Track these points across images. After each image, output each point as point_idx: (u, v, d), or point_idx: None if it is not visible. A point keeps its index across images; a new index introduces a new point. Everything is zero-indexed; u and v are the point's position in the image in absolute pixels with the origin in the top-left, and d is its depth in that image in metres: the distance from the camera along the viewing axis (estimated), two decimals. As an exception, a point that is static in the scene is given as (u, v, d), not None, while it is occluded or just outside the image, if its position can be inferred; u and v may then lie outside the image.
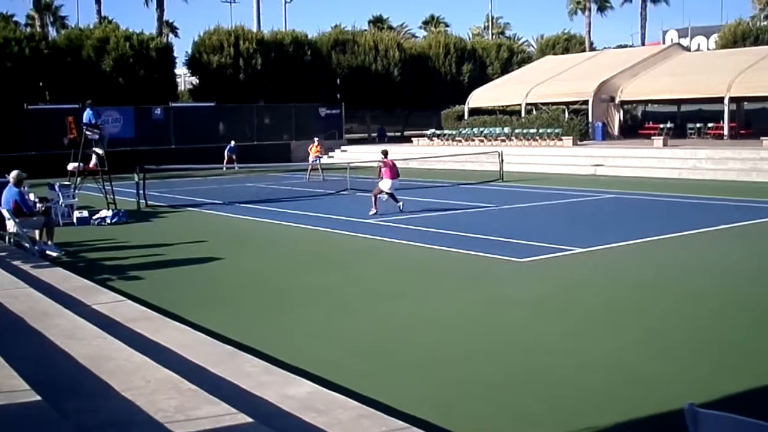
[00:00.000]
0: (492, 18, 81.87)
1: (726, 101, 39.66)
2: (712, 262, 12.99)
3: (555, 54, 61.96)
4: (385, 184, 19.56)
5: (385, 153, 20.54)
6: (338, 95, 52.58)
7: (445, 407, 6.52)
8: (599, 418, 6.21)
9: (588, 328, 8.97)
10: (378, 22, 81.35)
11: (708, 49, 63.42)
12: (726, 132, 40.18)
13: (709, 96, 40.87)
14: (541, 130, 40.52)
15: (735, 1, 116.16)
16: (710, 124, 42.04)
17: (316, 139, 34.43)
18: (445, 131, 46.34)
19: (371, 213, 19.32)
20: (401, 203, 19.58)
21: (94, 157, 21.65)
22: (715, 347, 8.14)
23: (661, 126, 41.65)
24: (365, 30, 67.76)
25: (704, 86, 40.73)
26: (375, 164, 22.84)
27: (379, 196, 19.65)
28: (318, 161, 32.85)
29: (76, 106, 32.04)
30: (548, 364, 7.63)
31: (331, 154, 45.56)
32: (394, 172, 19.62)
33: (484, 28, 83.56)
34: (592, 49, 66.59)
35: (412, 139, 49.25)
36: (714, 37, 63.53)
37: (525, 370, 7.47)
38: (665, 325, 9.00)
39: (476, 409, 6.53)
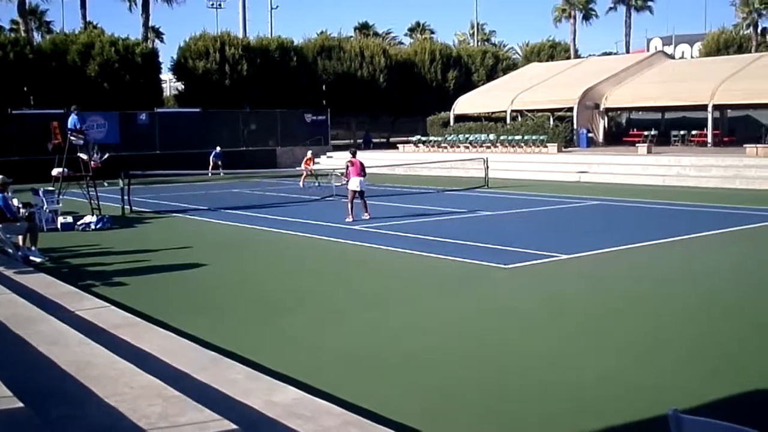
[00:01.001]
0: (477, 25, 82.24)
1: (710, 109, 39.93)
2: (697, 268, 13.07)
3: (540, 61, 62.25)
4: (353, 183, 19.63)
5: (353, 153, 20.92)
6: (324, 101, 52.60)
7: (432, 414, 6.52)
8: (585, 424, 6.23)
9: (574, 334, 9.00)
10: (364, 28, 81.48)
11: (692, 57, 63.90)
12: (710, 139, 40.45)
13: (692, 103, 41.16)
14: (526, 137, 40.65)
15: (718, 10, 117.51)
16: (694, 132, 42.32)
17: (309, 151, 34.64)
18: (431, 138, 46.41)
19: (347, 220, 19.25)
20: (368, 215, 19.57)
21: (95, 157, 21.47)
22: (700, 353, 8.17)
23: (646, 133, 41.89)
24: (351, 36, 67.93)
25: (688, 94, 41.02)
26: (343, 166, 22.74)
27: (354, 201, 19.60)
28: (310, 167, 32.96)
29: (61, 111, 31.93)
30: (535, 371, 7.65)
31: (316, 160, 45.50)
32: (360, 171, 19.61)
33: (470, 35, 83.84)
34: (577, 56, 66.95)
35: (398, 145, 49.30)
36: (698, 45, 64.06)
37: (512, 377, 7.48)
38: (650, 331, 9.03)
39: (463, 416, 6.53)
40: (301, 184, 31.86)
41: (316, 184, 31.39)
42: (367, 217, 19.46)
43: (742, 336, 8.80)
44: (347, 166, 20.29)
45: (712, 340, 8.65)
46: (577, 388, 7.13)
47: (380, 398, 6.77)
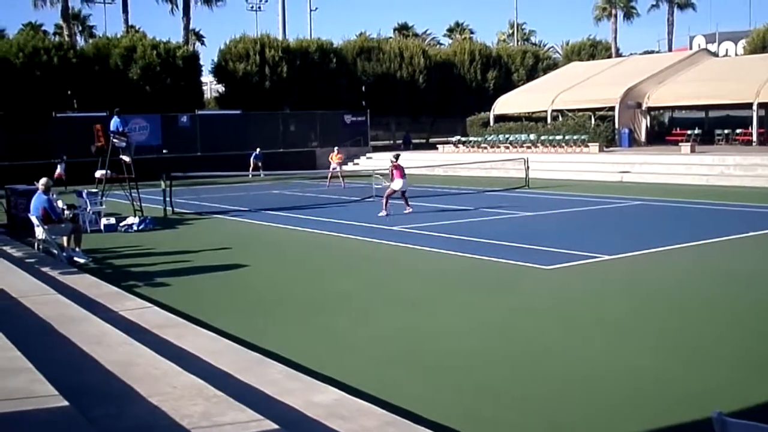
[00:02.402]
0: (517, 24, 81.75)
1: (755, 107, 39.29)
2: (744, 269, 12.83)
3: (581, 60, 61.72)
4: (397, 184, 20.97)
5: (396, 156, 22.12)
6: (363, 102, 52.67)
7: (471, 415, 6.48)
8: (626, 426, 6.16)
9: (614, 336, 8.89)
10: (403, 29, 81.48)
11: (736, 54, 62.89)
12: (755, 138, 39.80)
13: (737, 102, 40.53)
14: (567, 137, 40.32)
15: (763, 6, 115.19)
16: (738, 130, 41.68)
17: (336, 148, 34.64)
18: (471, 138, 46.26)
19: (381, 215, 20.41)
20: (410, 209, 21.06)
21: (127, 159, 21.70)
22: (743, 356, 8.03)
23: (689, 132, 41.34)
24: (390, 37, 67.93)
25: (732, 92, 40.37)
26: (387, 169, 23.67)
27: (391, 198, 20.99)
28: (338, 169, 32.94)
29: (104, 114, 32.34)
30: (575, 373, 7.57)
31: (356, 161, 45.66)
32: (403, 174, 20.93)
33: (509, 34, 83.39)
34: (619, 55, 66.28)
35: (438, 146, 49.20)
36: (742, 43, 62.97)
37: (552, 378, 7.41)
38: (692, 333, 8.90)
39: (502, 417, 6.49)
40: (327, 184, 32.16)
41: (342, 186, 31.53)
42: (409, 211, 20.84)
43: (789, 338, 8.63)
44: (391, 170, 21.42)
45: (760, 343, 8.48)
46: (619, 390, 7.04)
47: (420, 399, 6.75)
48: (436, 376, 7.58)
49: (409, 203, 21.37)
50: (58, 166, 33.20)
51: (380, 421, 5.53)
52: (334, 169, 32.91)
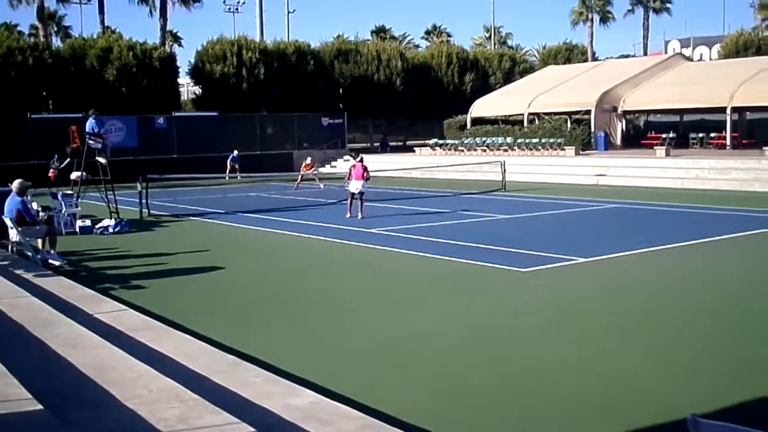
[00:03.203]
0: (494, 28, 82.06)
1: (728, 111, 39.69)
2: (715, 272, 12.97)
3: (557, 64, 62.06)
4: (353, 185, 20.77)
5: (357, 157, 22.17)
6: (341, 105, 52.69)
7: (448, 418, 6.50)
8: (602, 428, 6.20)
9: (590, 338, 8.95)
10: (380, 32, 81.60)
11: (710, 59, 63.43)
12: (728, 142, 40.20)
13: (711, 106, 40.90)
14: (543, 140, 40.56)
15: (737, 12, 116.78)
16: (713, 134, 42.09)
17: (309, 158, 35.52)
18: (448, 141, 46.40)
19: (347, 216, 20.56)
20: (362, 214, 20.52)
21: (102, 161, 21.54)
22: (719, 358, 8.10)
23: (664, 136, 41.65)
24: (368, 40, 68.01)
25: (706, 96, 40.76)
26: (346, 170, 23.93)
27: (353, 200, 20.87)
28: (311, 173, 33.59)
29: (79, 115, 32.12)
30: (552, 375, 7.61)
31: (333, 163, 45.67)
32: (362, 175, 20.64)
33: (487, 38, 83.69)
34: (595, 59, 66.69)
35: (415, 148, 49.32)
36: (716, 47, 63.59)
37: (529, 381, 7.44)
38: (667, 335, 8.97)
39: (479, 419, 6.51)
40: (294, 187, 32.32)
41: (321, 187, 31.63)
42: (360, 217, 20.33)
43: (762, 339, 8.71)
44: (350, 170, 21.45)
45: (730, 344, 8.57)
46: (595, 392, 7.09)
47: (397, 402, 6.76)
48: (413, 378, 7.59)
49: (363, 209, 20.62)
50: (52, 167, 32.84)
51: (358, 425, 5.53)
52: (304, 174, 33.36)
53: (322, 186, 31.93)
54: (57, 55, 44.76)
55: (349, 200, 21.10)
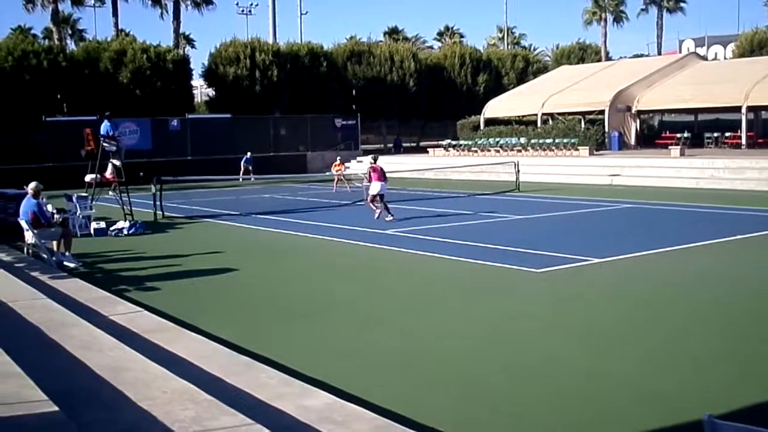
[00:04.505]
0: (507, 28, 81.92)
1: (743, 110, 39.48)
2: (731, 272, 12.87)
3: (570, 64, 61.88)
4: (374, 187, 20.63)
5: (374, 159, 21.63)
6: (354, 106, 52.71)
7: (463, 420, 6.48)
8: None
9: (605, 340, 8.90)
10: (393, 33, 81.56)
11: (725, 58, 63.15)
12: (744, 141, 39.98)
13: (726, 105, 40.68)
14: (557, 140, 40.43)
15: (751, 11, 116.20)
16: (728, 134, 41.87)
17: (338, 158, 35.16)
18: (461, 142, 46.31)
19: (375, 217, 20.36)
20: (391, 215, 20.18)
21: (110, 167, 21.74)
22: (733, 359, 8.05)
23: (678, 135, 41.47)
24: (381, 41, 68.03)
25: (721, 95, 40.54)
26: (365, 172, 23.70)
27: (375, 201, 20.72)
28: (341, 173, 33.27)
29: (94, 118, 32.20)
30: (566, 378, 7.57)
31: (347, 164, 45.69)
32: (381, 176, 20.52)
33: (500, 38, 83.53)
34: (608, 58, 66.46)
35: (428, 149, 49.26)
36: (731, 46, 63.30)
37: (542, 384, 7.41)
38: (682, 336, 8.91)
39: (493, 422, 6.48)
40: (334, 189, 31.99)
41: (347, 188, 31.39)
42: (390, 219, 20.01)
43: (779, 340, 8.66)
44: (369, 172, 21.24)
45: (749, 347, 8.51)
46: (609, 394, 7.05)
47: (412, 403, 6.74)
48: (428, 380, 7.57)
49: (389, 211, 20.30)
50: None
51: (372, 426, 5.52)
52: (339, 173, 33.12)
53: (349, 188, 31.50)
54: (71, 58, 44.99)
55: (370, 202, 21.11)
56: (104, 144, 21.24)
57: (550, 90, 47.98)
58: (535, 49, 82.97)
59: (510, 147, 42.20)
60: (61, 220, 16.09)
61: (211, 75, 49.84)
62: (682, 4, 72.72)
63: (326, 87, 50.42)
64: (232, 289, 12.40)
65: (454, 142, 46.56)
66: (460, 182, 34.47)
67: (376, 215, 20.51)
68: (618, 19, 72.21)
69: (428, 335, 9.26)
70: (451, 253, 14.89)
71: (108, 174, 21.89)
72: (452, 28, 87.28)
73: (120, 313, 9.45)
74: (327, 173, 33.77)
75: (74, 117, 39.00)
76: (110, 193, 22.60)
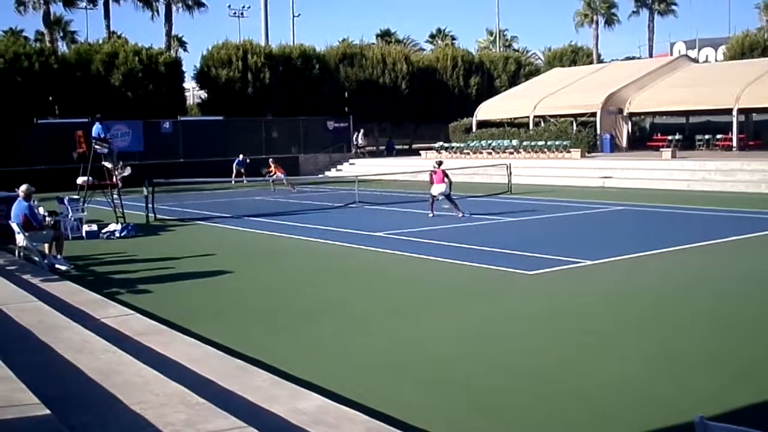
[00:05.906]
0: (499, 31, 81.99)
1: (734, 113, 39.59)
2: (722, 273, 12.92)
3: (562, 66, 61.97)
4: (434, 189, 21.82)
5: (438, 163, 23.05)
6: (346, 108, 52.69)
7: (454, 422, 6.49)
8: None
9: (598, 341, 8.92)
10: (385, 35, 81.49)
11: (716, 60, 63.33)
12: (735, 143, 40.09)
13: (717, 107, 40.81)
14: (549, 143, 40.48)
15: (742, 13, 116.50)
16: (719, 136, 41.98)
17: (270, 160, 35.89)
18: (453, 144, 46.32)
19: (429, 216, 21.49)
20: (460, 213, 21.35)
21: (125, 170, 21.69)
22: (726, 361, 8.07)
23: (670, 138, 41.58)
24: (373, 43, 67.98)
25: (712, 98, 40.66)
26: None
27: (435, 201, 21.90)
28: (282, 177, 34.19)
29: (86, 120, 32.24)
30: (558, 380, 7.59)
31: (339, 167, 45.76)
32: (441, 179, 21.72)
33: (491, 41, 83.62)
34: (600, 61, 66.59)
35: (421, 152, 49.25)
36: (722, 49, 63.42)
37: (534, 386, 7.43)
38: (675, 338, 8.94)
39: (485, 424, 6.49)
40: (273, 189, 33.66)
41: (292, 189, 33.10)
42: (460, 216, 21.18)
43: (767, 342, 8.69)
44: (430, 175, 22.36)
45: (742, 348, 8.53)
46: (602, 397, 7.07)
47: (404, 406, 6.75)
48: (421, 382, 7.58)
49: (459, 208, 21.62)
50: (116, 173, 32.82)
51: (365, 428, 5.53)
52: (276, 178, 34.07)
53: (293, 189, 33.25)
54: (63, 61, 44.84)
55: (431, 202, 21.98)
56: (96, 146, 21.20)
57: (542, 92, 48.04)
58: (527, 52, 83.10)
59: (502, 149, 42.23)
60: (52, 222, 16.06)
61: (203, 77, 49.75)
62: (673, 7, 72.86)
63: (318, 89, 50.40)
64: (225, 292, 12.39)
65: (446, 145, 46.52)
66: (453, 184, 34.39)
67: (430, 215, 21.48)
68: (609, 21, 72.34)
69: (421, 337, 9.27)
70: (441, 256, 14.90)
71: (116, 178, 21.86)
72: (444, 30, 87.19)
73: (112, 316, 9.43)
74: (320, 176, 33.90)
75: (66, 119, 38.92)
76: (114, 196, 22.51)
